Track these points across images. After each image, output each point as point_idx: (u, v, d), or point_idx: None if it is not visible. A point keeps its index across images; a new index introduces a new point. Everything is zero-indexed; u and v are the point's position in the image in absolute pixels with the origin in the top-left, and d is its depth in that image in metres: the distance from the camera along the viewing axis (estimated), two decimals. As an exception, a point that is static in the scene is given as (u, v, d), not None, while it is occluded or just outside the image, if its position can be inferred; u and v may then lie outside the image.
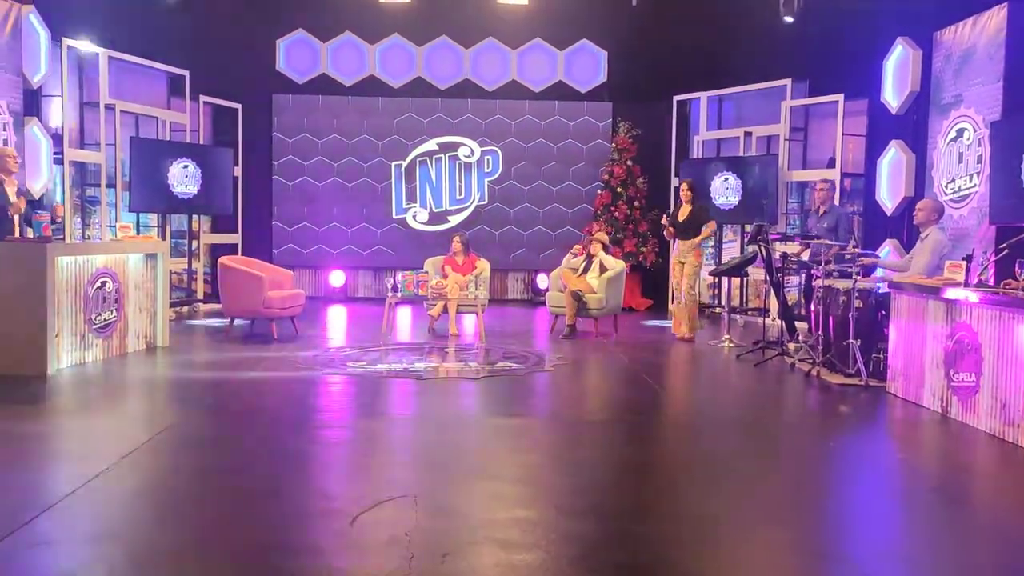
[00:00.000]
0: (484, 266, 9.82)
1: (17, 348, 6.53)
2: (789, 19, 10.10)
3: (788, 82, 10.82)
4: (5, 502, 3.75)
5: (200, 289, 11.56)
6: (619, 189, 12.01)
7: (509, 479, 4.36)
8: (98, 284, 7.34)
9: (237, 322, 9.05)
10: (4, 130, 8.03)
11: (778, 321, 8.51)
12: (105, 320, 7.44)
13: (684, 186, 9.24)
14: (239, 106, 12.17)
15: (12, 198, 7.00)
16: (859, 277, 6.86)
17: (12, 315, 6.53)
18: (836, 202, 9.04)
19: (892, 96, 9.53)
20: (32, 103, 8.90)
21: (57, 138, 9.45)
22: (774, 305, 9.28)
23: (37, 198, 8.59)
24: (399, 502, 3.82)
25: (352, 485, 4.23)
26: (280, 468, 4.46)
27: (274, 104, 12.56)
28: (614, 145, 12.22)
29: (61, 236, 7.06)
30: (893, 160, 9.49)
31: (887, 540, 3.58)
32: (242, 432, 5.14)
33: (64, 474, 4.22)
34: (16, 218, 6.92)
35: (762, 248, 8.19)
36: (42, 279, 6.57)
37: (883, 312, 6.71)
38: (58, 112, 9.57)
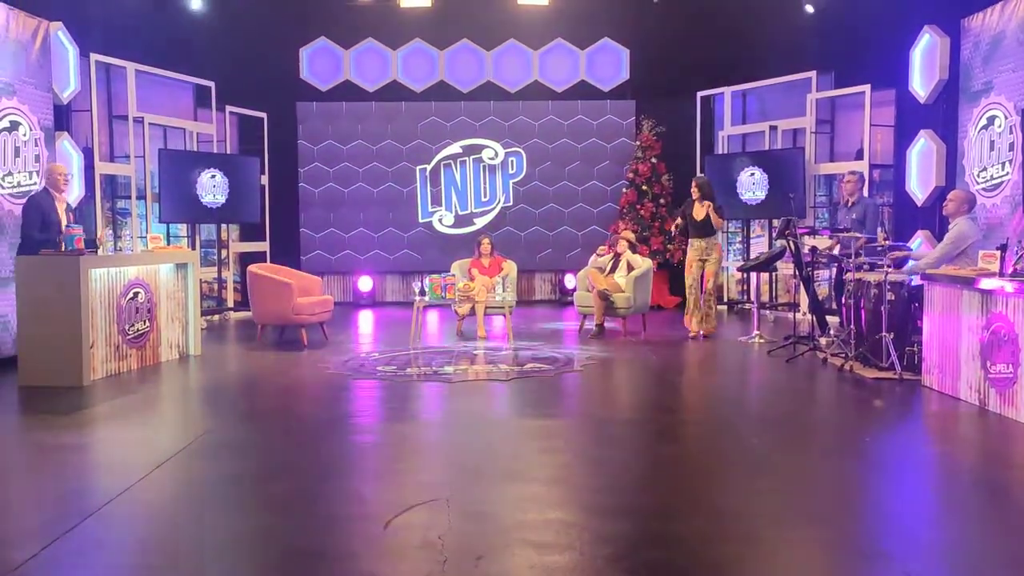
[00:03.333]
0: (510, 267, 9.81)
1: (53, 359, 6.63)
2: (811, 10, 10.00)
3: (813, 74, 10.71)
4: (48, 509, 3.81)
5: (230, 297, 11.66)
6: (644, 187, 11.95)
7: (541, 480, 4.35)
8: (131, 295, 7.43)
9: (267, 329, 9.12)
10: (36, 146, 8.15)
11: (809, 316, 8.42)
12: (138, 330, 7.53)
13: (693, 184, 9.16)
14: (264, 115, 12.27)
15: (62, 215, 7.16)
16: (890, 270, 6.76)
17: (48, 327, 6.63)
18: (864, 194, 8.92)
19: (920, 85, 9.39)
20: (62, 118, 9.03)
21: (88, 152, 9.59)
22: (804, 300, 9.18)
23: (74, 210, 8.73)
24: (431, 506, 3.83)
25: (385, 489, 4.24)
26: (314, 473, 4.47)
27: (298, 112, 12.66)
28: (638, 143, 12.17)
29: (94, 249, 7.15)
30: (923, 150, 9.35)
31: (928, 536, 3.53)
32: (275, 438, 5.18)
33: (103, 483, 4.27)
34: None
35: (790, 242, 8.10)
36: (76, 291, 6.67)
37: (916, 304, 6.61)
38: (87, 126, 9.71)
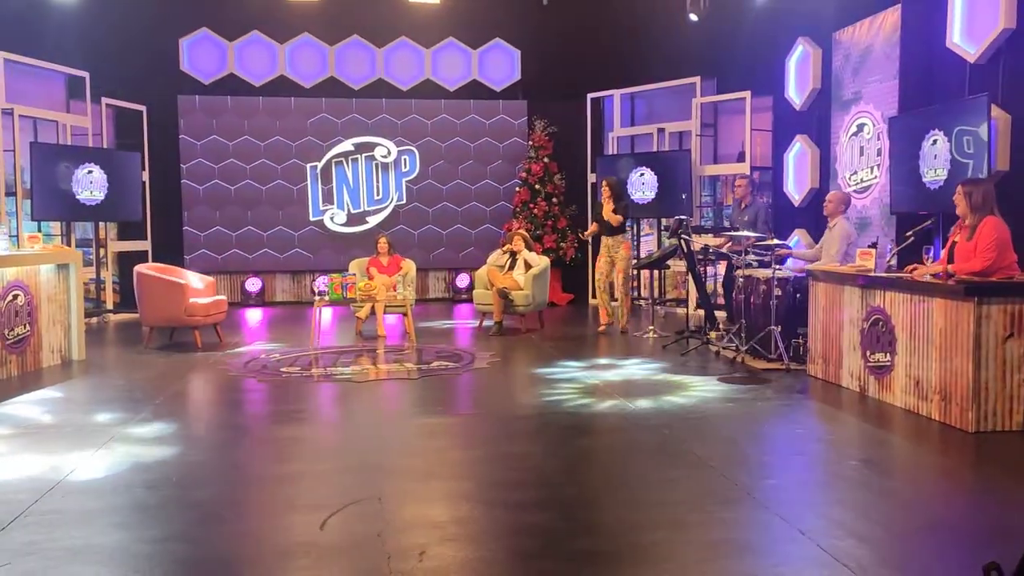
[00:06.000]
0: (409, 266, 9.85)
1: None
2: (694, 18, 10.48)
3: (697, 80, 11.23)
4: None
5: (110, 299, 11.17)
6: (537, 186, 12.21)
7: (466, 476, 4.46)
8: (10, 297, 7.05)
9: (155, 332, 8.79)
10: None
11: (699, 311, 8.85)
12: (18, 335, 7.15)
13: (604, 184, 9.47)
14: (144, 108, 11.80)
15: None
16: (778, 267, 7.23)
17: (-80, 333, 6.22)
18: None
19: (795, 93, 10.03)
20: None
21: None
22: (694, 296, 9.64)
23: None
24: (363, 504, 3.87)
25: (311, 490, 4.23)
26: (236, 477, 4.42)
27: (180, 105, 12.22)
28: (531, 143, 12.42)
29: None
30: (798, 154, 9.99)
31: (826, 506, 3.85)
32: (188, 444, 5.05)
33: (7, 495, 4.07)
34: None
35: (682, 241, 8.50)
36: (-49, 294, 6.29)
37: (800, 297, 7.09)
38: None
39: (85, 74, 10.89)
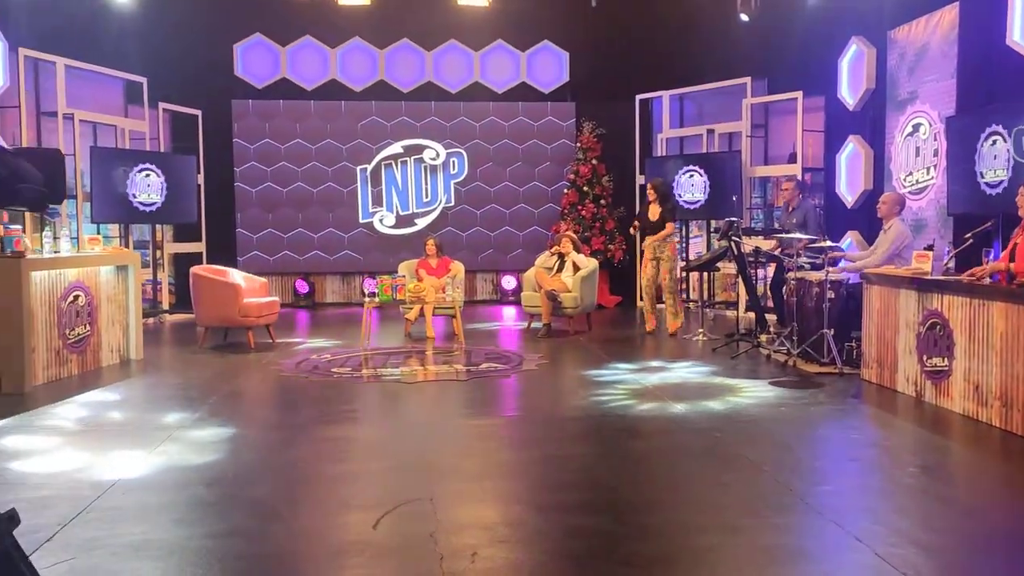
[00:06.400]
0: (458, 268, 9.90)
1: (-7, 365, 6.44)
2: (745, 18, 10.38)
3: (748, 80, 11.11)
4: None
5: (166, 299, 11.42)
6: (585, 188, 12.19)
7: (510, 478, 4.47)
8: (71, 298, 7.25)
9: (210, 332, 8.97)
10: (-34, 143, 7.86)
11: (749, 314, 8.75)
12: (79, 335, 7.35)
13: (649, 187, 9.45)
14: (199, 112, 12.05)
15: None
16: (831, 269, 7.12)
17: (-12, 332, 6.43)
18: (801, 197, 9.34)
19: (848, 93, 9.85)
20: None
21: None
22: (744, 298, 9.54)
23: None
24: (415, 505, 3.91)
25: (364, 490, 4.29)
26: (290, 476, 4.50)
27: (234, 109, 12.46)
28: (579, 144, 12.40)
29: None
30: (851, 155, 9.81)
31: (885, 512, 3.77)
32: (244, 442, 5.15)
33: (72, 492, 4.19)
34: None
35: (732, 243, 8.42)
36: (17, 294, 6.49)
37: (855, 301, 6.97)
38: (15, 123, 9.38)
39: (143, 79, 11.15)
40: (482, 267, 12.88)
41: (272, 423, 5.83)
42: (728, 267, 10.46)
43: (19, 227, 7.05)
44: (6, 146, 1.87)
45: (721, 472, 4.47)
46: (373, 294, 8.75)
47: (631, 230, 9.69)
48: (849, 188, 9.87)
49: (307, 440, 5.24)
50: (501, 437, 5.37)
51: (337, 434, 5.40)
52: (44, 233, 7.37)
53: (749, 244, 8.69)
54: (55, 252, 7.29)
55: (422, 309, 9.19)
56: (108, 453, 4.81)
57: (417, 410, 6.12)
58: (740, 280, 9.08)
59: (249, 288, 8.85)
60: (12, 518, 1.69)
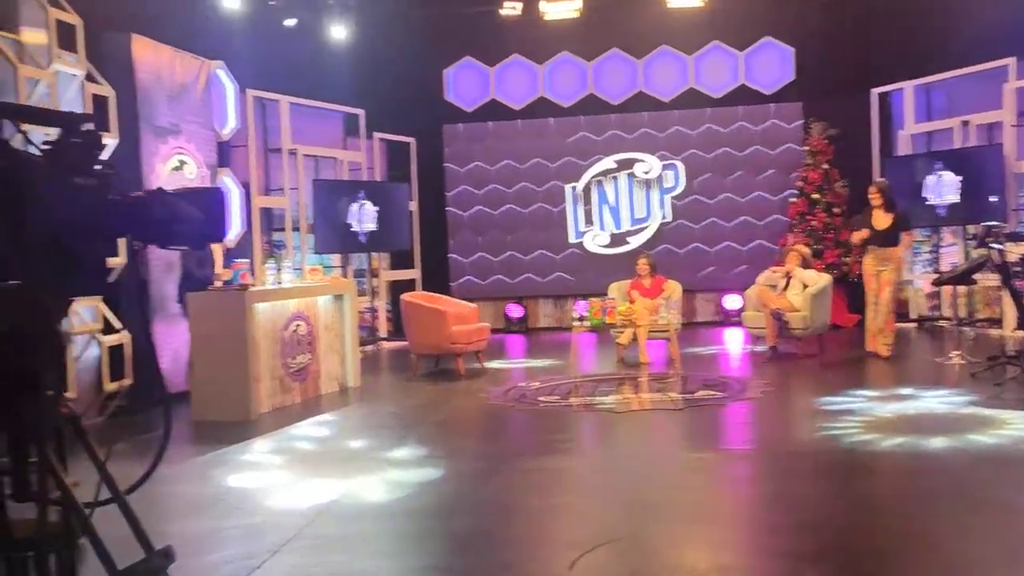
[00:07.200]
0: (673, 288, 9.72)
1: (222, 394, 7.12)
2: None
3: (1011, 61, 10.11)
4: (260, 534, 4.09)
5: (383, 327, 12.14)
6: (815, 196, 11.61)
7: (726, 519, 4.29)
8: (292, 328, 7.88)
9: (422, 359, 9.42)
10: (202, 183, 8.81)
11: (1018, 332, 7.91)
12: (300, 363, 7.97)
13: (873, 190, 8.81)
14: (412, 140, 12.77)
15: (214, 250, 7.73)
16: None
17: (217, 362, 7.12)
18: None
19: None
20: (223, 154, 9.73)
21: (245, 186, 10.27)
22: (1010, 314, 8.63)
23: (233, 247, 9.35)
24: (615, 545, 3.85)
25: (563, 527, 4.30)
26: (490, 510, 4.60)
27: (444, 134, 13.09)
28: (807, 148, 11.85)
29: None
30: None
31: None
32: (447, 473, 5.33)
33: (283, 519, 4.53)
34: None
35: (993, 251, 7.67)
36: (242, 326, 7.15)
37: None
38: (244, 161, 10.42)
39: (360, 111, 12.00)
40: (702, 286, 12.59)
41: (477, 453, 5.99)
42: (989, 279, 9.51)
43: (247, 260, 7.78)
44: (167, 188, 2.13)
45: (975, 518, 4.04)
46: (583, 317, 8.80)
47: (856, 239, 8.92)
48: None
49: (511, 471, 5.33)
50: (717, 473, 5.19)
51: (542, 466, 5.46)
52: (267, 264, 8.10)
53: (1014, 251, 7.85)
54: (278, 283, 7.97)
55: (635, 333, 9.10)
56: (318, 480, 5.16)
57: (627, 441, 6.07)
58: (1005, 293, 8.22)
59: (458, 314, 9.20)
60: (168, 554, 1.83)
